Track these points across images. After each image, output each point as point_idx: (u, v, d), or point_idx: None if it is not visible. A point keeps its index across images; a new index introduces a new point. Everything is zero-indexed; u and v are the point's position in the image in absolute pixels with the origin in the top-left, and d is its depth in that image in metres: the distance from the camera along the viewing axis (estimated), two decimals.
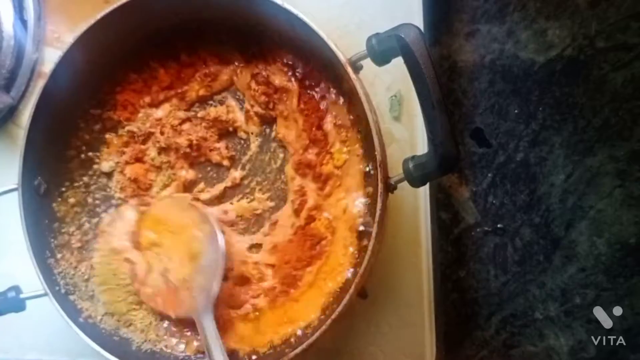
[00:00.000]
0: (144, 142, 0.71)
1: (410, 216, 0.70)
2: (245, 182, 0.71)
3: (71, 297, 0.67)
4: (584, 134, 0.72)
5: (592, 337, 0.72)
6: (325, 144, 0.66)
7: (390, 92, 0.70)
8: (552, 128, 0.73)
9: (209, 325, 0.61)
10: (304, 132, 0.67)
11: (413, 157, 0.55)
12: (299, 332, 0.64)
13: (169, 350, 0.67)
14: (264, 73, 0.68)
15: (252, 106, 0.70)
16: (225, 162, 0.70)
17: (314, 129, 0.66)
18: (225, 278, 0.65)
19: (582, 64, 0.72)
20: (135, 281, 0.67)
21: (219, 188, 0.70)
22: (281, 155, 0.70)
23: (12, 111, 0.77)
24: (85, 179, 0.71)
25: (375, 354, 0.70)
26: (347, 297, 0.57)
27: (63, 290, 0.66)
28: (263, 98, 0.68)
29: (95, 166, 0.72)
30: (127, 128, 0.71)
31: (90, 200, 0.72)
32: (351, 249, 0.64)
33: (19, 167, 0.63)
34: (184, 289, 0.64)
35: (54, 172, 0.69)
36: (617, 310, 0.71)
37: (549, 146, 0.73)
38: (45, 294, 0.62)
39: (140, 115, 0.71)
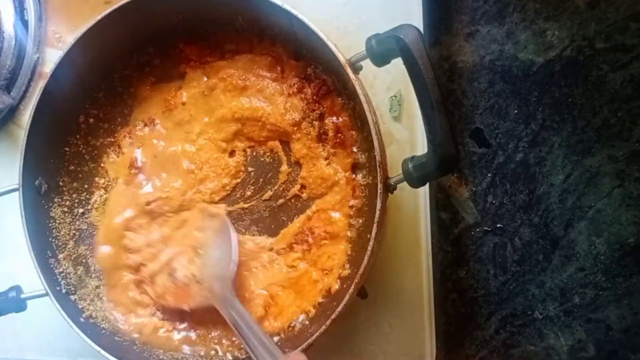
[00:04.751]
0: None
1: (410, 216, 0.70)
2: None
3: (72, 297, 0.67)
4: (583, 134, 0.72)
5: (592, 337, 0.72)
6: None
7: (390, 92, 0.71)
8: (552, 128, 0.73)
9: (235, 306, 0.61)
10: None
11: (413, 158, 0.55)
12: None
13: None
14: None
15: None
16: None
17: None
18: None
19: (581, 65, 0.72)
20: (143, 282, 0.69)
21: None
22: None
23: (12, 111, 0.77)
24: (86, 179, 0.72)
25: (375, 354, 0.70)
26: (347, 297, 0.57)
27: (64, 290, 0.66)
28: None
29: (96, 166, 0.72)
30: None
31: (91, 199, 0.72)
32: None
33: (19, 167, 0.63)
34: (193, 283, 0.65)
35: (55, 172, 0.69)
36: (617, 310, 0.71)
37: (548, 146, 0.73)
38: (46, 294, 0.62)
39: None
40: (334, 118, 0.66)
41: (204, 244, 0.67)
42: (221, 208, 0.70)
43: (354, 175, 0.66)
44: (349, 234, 0.66)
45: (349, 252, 0.66)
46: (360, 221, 0.66)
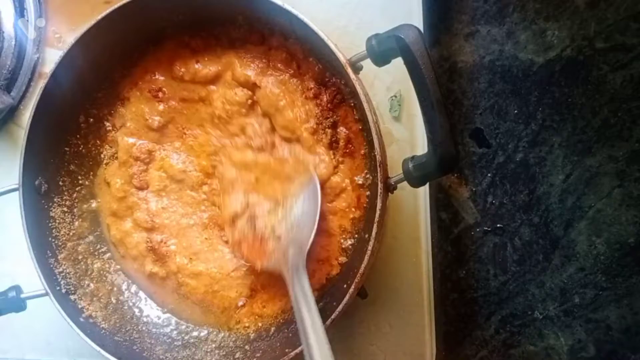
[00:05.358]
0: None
1: (410, 216, 0.70)
2: None
3: (72, 297, 0.67)
4: (583, 134, 0.72)
5: (592, 337, 0.72)
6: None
7: (390, 92, 0.71)
8: (552, 128, 0.73)
9: (302, 283, 0.53)
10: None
11: (413, 157, 0.55)
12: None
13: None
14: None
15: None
16: None
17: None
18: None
19: (581, 65, 0.72)
20: (225, 224, 0.62)
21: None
22: None
23: (12, 111, 0.77)
24: (86, 178, 0.72)
25: (375, 354, 0.70)
26: (347, 297, 0.57)
27: (64, 290, 0.66)
28: None
29: (96, 166, 0.72)
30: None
31: (91, 199, 0.72)
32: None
33: (19, 167, 0.63)
34: (271, 238, 0.58)
35: (55, 172, 0.69)
36: (617, 310, 0.71)
37: (548, 146, 0.73)
38: (46, 294, 0.62)
39: None
40: (346, 129, 0.66)
41: (287, 194, 0.59)
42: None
43: (359, 182, 0.65)
44: (346, 238, 0.66)
45: (344, 244, 0.66)
46: (360, 221, 0.66)
